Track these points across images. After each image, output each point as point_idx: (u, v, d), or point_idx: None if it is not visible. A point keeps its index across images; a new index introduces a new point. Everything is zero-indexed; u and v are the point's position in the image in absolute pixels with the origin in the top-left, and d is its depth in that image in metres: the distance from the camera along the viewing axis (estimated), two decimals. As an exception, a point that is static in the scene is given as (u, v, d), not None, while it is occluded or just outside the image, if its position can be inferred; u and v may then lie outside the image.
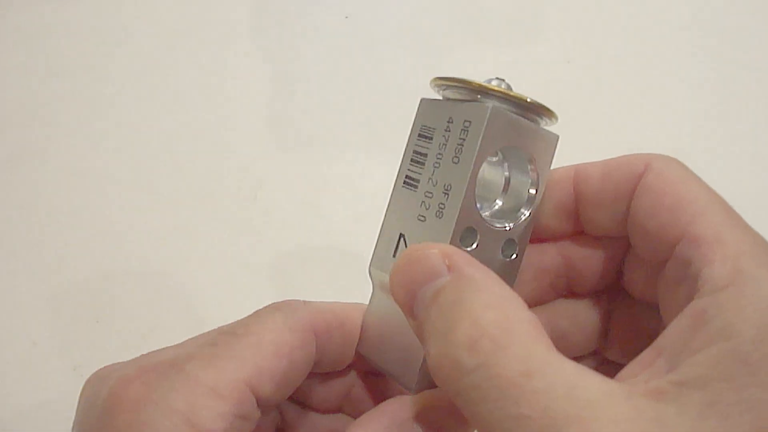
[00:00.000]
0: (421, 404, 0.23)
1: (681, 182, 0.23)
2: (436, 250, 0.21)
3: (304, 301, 0.26)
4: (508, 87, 0.24)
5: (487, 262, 0.23)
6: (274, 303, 0.25)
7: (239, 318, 0.25)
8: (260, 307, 0.25)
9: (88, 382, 0.24)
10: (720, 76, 0.53)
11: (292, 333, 0.24)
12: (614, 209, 0.24)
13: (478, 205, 0.25)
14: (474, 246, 0.24)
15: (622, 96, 0.52)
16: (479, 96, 0.24)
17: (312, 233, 0.47)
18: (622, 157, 0.25)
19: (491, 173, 0.27)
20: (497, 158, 0.26)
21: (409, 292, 0.21)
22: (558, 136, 0.26)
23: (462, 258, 0.21)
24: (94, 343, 0.43)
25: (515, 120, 0.24)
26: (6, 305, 0.44)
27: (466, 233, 0.24)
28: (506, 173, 0.26)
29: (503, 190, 0.27)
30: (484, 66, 0.52)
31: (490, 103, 0.23)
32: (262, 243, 0.47)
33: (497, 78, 0.24)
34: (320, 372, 0.27)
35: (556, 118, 0.25)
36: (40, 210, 0.47)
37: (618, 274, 0.27)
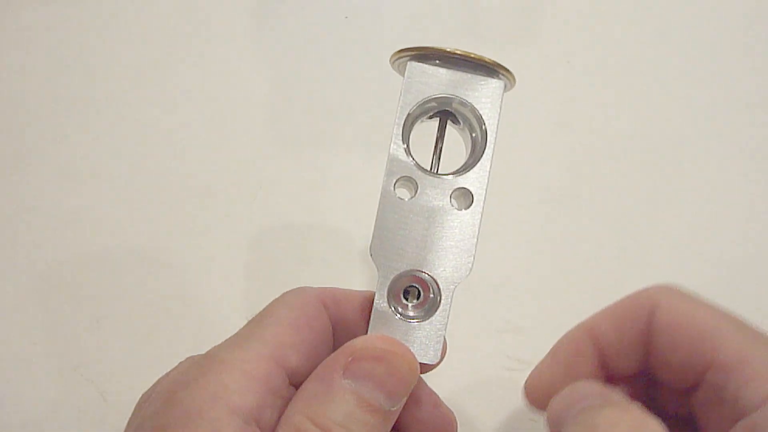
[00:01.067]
0: (350, 357, 0.23)
1: (694, 314, 0.24)
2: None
3: (312, 286, 0.27)
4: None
5: (433, 211, 0.26)
6: (285, 291, 0.27)
7: (239, 316, 0.26)
8: (260, 306, 0.26)
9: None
10: (721, 75, 0.53)
11: (305, 306, 0.25)
12: (635, 354, 0.26)
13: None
14: (413, 195, 0.26)
15: (622, 96, 0.52)
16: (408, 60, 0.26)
17: (312, 233, 0.47)
18: (627, 300, 0.26)
19: (461, 140, 0.28)
20: (461, 125, 0.27)
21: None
22: (503, 84, 0.26)
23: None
24: (94, 343, 0.43)
25: (439, 72, 0.26)
26: (6, 305, 0.44)
27: (402, 183, 0.26)
28: (469, 133, 0.27)
29: (471, 151, 0.28)
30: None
31: (410, 61, 0.26)
32: (261, 243, 0.47)
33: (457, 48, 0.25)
34: None
35: (497, 66, 0.26)
36: (40, 210, 0.47)
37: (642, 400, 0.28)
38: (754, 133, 0.51)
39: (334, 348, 0.26)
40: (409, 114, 0.26)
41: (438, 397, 0.28)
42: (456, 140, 0.28)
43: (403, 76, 0.27)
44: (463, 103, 0.26)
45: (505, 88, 0.26)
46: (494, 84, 0.26)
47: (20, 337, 0.43)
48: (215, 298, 0.45)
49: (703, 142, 0.51)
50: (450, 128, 0.27)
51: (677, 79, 0.53)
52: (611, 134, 0.51)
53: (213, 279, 0.45)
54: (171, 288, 0.45)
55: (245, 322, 0.26)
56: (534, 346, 0.47)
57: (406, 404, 0.24)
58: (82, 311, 0.44)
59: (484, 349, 0.45)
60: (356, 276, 0.45)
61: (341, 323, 0.27)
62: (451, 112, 0.27)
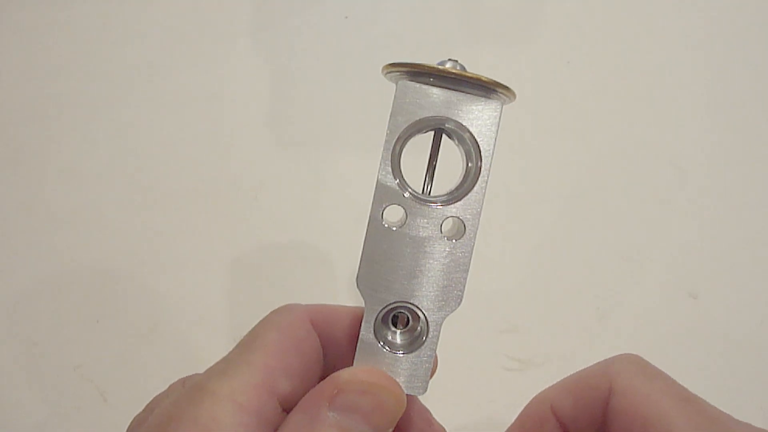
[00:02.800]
0: (335, 389, 0.23)
1: (647, 399, 0.24)
2: None
3: (301, 304, 0.26)
4: (462, 68, 0.23)
5: (423, 241, 0.24)
6: (273, 309, 0.26)
7: (239, 317, 0.25)
8: (260, 307, 0.26)
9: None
10: (719, 75, 0.53)
11: (293, 327, 0.25)
12: (593, 428, 0.26)
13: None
14: (401, 225, 0.24)
15: (622, 96, 0.52)
16: (401, 76, 0.24)
17: (311, 233, 0.47)
18: (586, 376, 0.27)
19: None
20: (456, 143, 0.26)
21: None
22: (501, 104, 0.24)
23: None
24: (94, 343, 0.43)
25: (432, 92, 0.24)
26: (6, 305, 0.44)
27: (389, 212, 0.24)
28: (464, 154, 0.26)
29: (465, 175, 0.26)
30: (484, 66, 0.52)
31: (401, 80, 0.23)
32: (261, 243, 0.47)
33: (450, 60, 0.24)
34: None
35: (495, 85, 0.24)
36: (40, 210, 0.47)
37: None
38: (757, 132, 0.51)
39: (325, 368, 0.26)
40: (399, 137, 0.24)
41: (430, 413, 0.28)
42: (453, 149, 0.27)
43: (394, 93, 0.25)
44: (458, 125, 0.24)
45: (504, 104, 0.25)
46: (492, 105, 0.24)
47: (20, 337, 0.43)
48: (215, 297, 0.45)
49: (704, 142, 0.51)
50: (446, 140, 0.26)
51: (677, 79, 0.53)
52: (612, 135, 0.51)
53: (213, 278, 0.45)
54: (170, 287, 0.45)
55: (240, 322, 0.25)
56: (534, 346, 0.48)
57: (397, 425, 0.24)
58: (82, 311, 0.44)
59: (484, 349, 0.45)
60: (355, 276, 0.45)
61: (331, 342, 0.26)
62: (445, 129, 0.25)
